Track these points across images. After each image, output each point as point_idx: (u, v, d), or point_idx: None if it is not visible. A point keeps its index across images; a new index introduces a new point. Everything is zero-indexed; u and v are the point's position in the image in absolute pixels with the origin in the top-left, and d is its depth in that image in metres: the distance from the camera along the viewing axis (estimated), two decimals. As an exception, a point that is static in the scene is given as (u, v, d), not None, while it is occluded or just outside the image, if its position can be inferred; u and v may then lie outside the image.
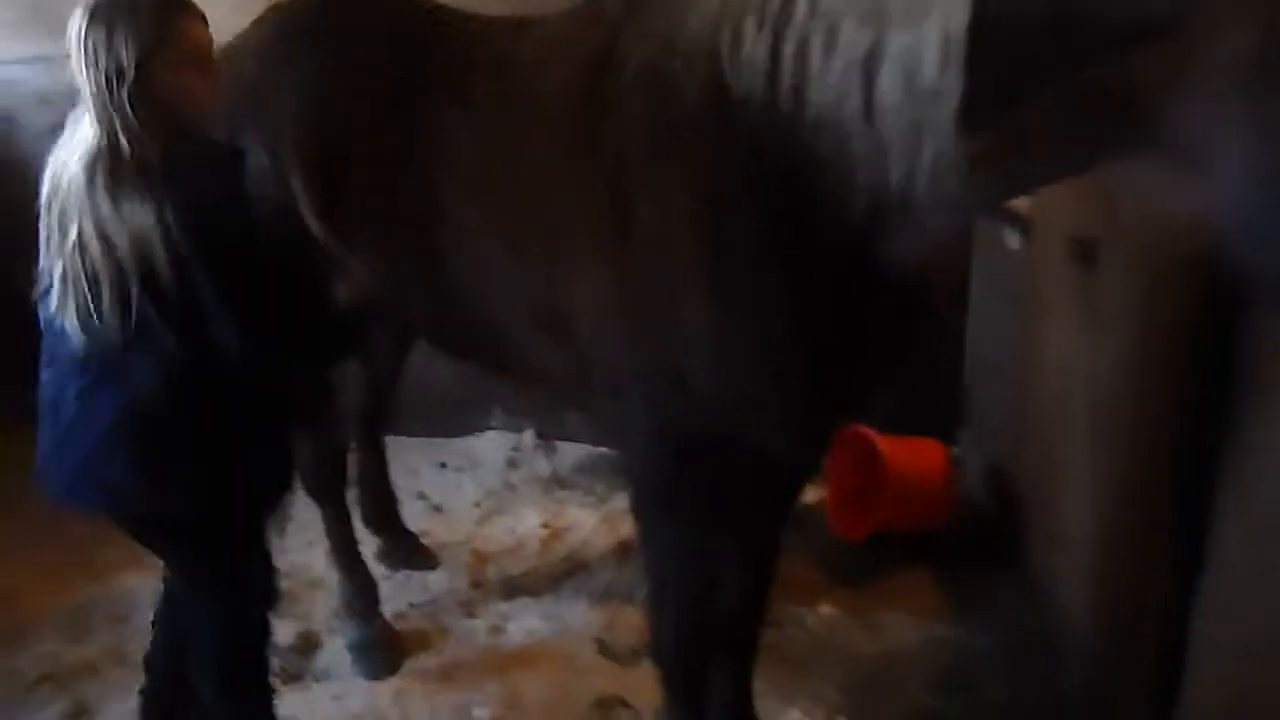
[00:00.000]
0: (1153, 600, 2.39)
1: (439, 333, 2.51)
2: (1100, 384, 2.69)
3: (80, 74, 1.92)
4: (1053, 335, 3.00)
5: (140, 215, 1.90)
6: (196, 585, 2.21)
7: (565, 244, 1.99)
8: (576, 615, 3.18)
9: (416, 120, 2.23)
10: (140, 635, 3.03)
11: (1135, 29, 1.21)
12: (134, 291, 1.92)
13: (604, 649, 3.02)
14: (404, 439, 3.85)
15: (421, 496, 3.89)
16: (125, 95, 1.89)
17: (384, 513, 3.45)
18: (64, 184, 1.97)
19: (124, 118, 1.90)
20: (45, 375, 2.11)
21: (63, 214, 1.97)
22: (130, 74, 1.88)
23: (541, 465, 4.13)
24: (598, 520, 3.71)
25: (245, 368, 1.99)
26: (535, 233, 2.06)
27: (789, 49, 1.55)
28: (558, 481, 4.02)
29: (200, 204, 1.92)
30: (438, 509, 3.84)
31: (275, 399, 2.16)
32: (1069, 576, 2.90)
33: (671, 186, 1.79)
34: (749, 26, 1.61)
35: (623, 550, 3.48)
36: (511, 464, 4.13)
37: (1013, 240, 3.23)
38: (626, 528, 3.59)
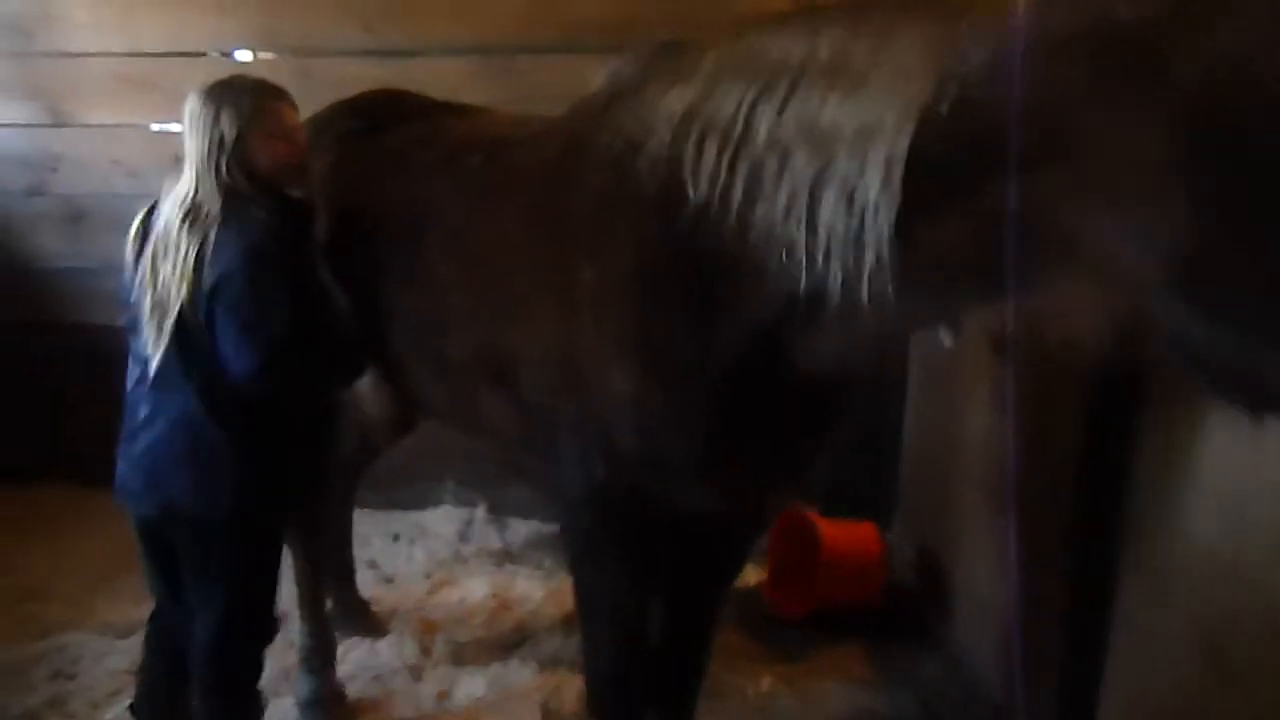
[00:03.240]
0: (1057, 665, 2.56)
1: (410, 379, 2.68)
2: (1012, 464, 2.91)
3: (189, 141, 2.38)
4: (974, 421, 3.23)
5: (208, 257, 2.29)
6: (213, 582, 2.43)
7: (517, 297, 2.21)
8: (522, 681, 3.27)
9: (421, 189, 2.51)
10: (82, 690, 3.16)
11: (1042, 152, 1.36)
12: (191, 323, 2.31)
13: (548, 714, 3.10)
14: (357, 510, 3.94)
15: (373, 566, 3.98)
16: (224, 160, 2.34)
17: (341, 577, 3.53)
18: (161, 230, 2.38)
19: (219, 178, 2.34)
20: (129, 396, 2.48)
21: (155, 255, 2.37)
22: (230, 144, 2.34)
23: (492, 539, 4.24)
24: (546, 593, 3.81)
25: (256, 393, 2.33)
26: (494, 285, 2.28)
27: (744, 169, 1.75)
28: (508, 555, 4.13)
29: (261, 247, 2.30)
30: (389, 579, 3.93)
31: (305, 412, 2.51)
32: (984, 645, 3.07)
33: (615, 255, 1.99)
34: (712, 144, 1.82)
35: (570, 621, 3.57)
36: (463, 537, 4.24)
37: (946, 339, 3.48)
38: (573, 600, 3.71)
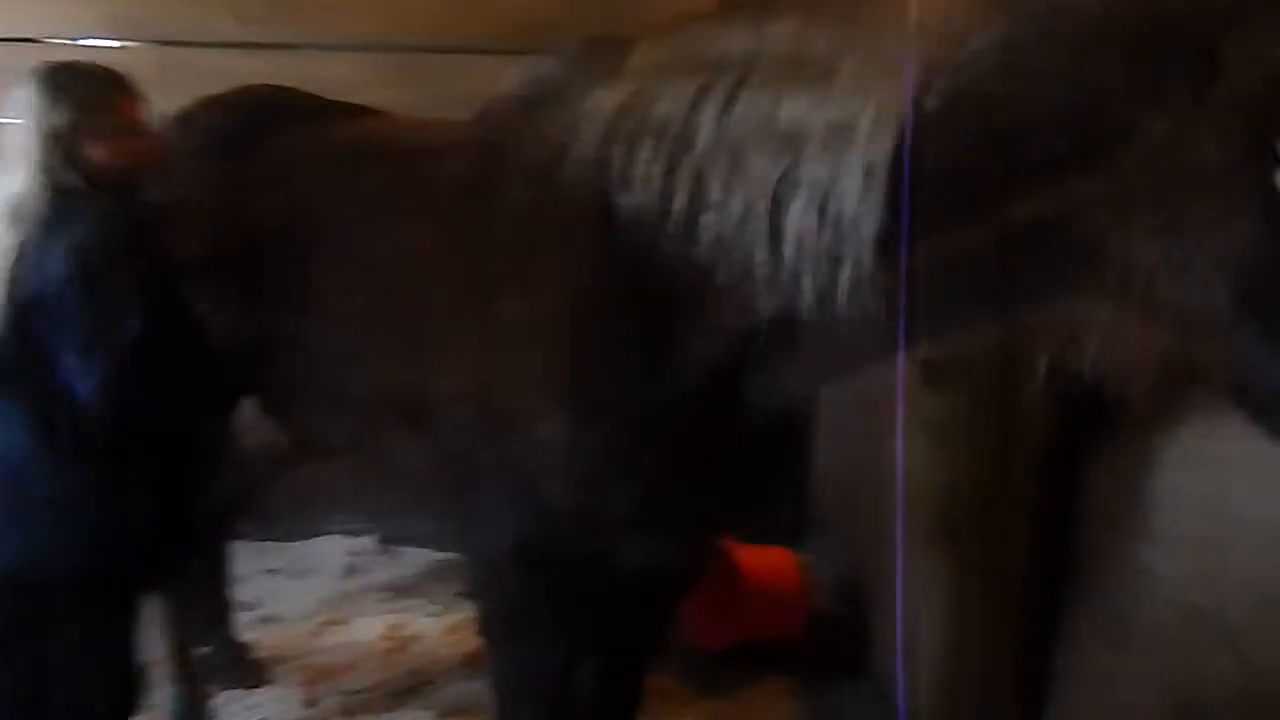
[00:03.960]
0: (1000, 707, 2.45)
1: (301, 413, 2.37)
2: (946, 494, 2.80)
3: (18, 133, 2.08)
4: (902, 446, 3.11)
5: (44, 258, 1.99)
6: (55, 662, 2.06)
7: (430, 329, 1.94)
8: (422, 733, 3.00)
9: (313, 202, 2.21)
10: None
11: (1072, 158, 1.21)
12: (14, 337, 2.00)
13: (450, 771, 2.85)
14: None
15: (251, 606, 3.62)
16: (56, 154, 2.05)
17: (217, 621, 3.18)
18: None
19: (48, 174, 2.04)
20: None
21: None
22: (63, 135, 2.05)
23: (382, 572, 3.94)
24: (444, 630, 3.54)
25: (102, 416, 1.99)
26: (404, 315, 2.01)
27: (686, 174, 1.55)
28: (401, 589, 3.83)
29: (91, 252, 2.00)
30: (270, 620, 3.58)
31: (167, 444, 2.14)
32: (917, 683, 2.95)
33: (542, 281, 1.76)
34: (645, 147, 1.61)
35: (470, 662, 3.32)
36: (350, 571, 3.92)
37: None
38: (473, 636, 3.45)
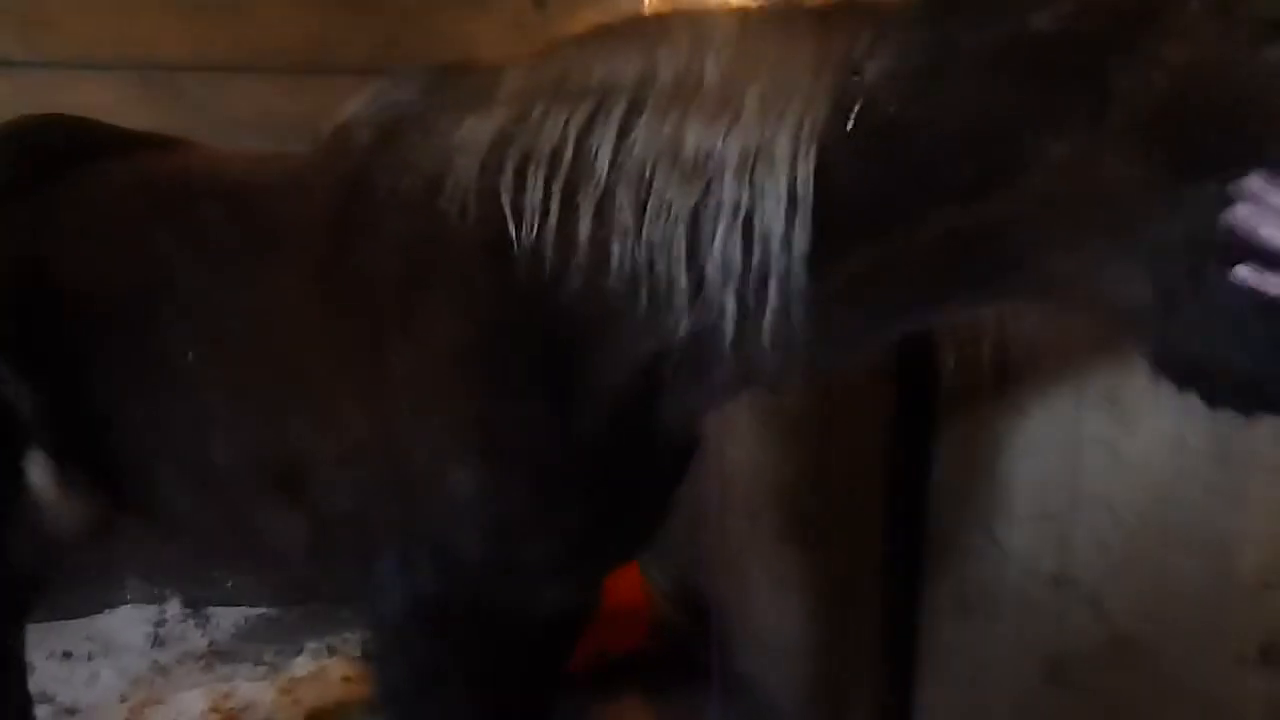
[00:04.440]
0: (866, 698, 2.57)
1: (134, 489, 2.11)
2: (792, 491, 2.90)
3: None
4: (737, 449, 3.19)
5: None
6: None
7: (302, 386, 1.80)
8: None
9: (138, 251, 1.96)
10: None
11: (979, 181, 1.27)
12: None
13: None
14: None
15: (46, 698, 3.21)
16: None
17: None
18: None
19: None
20: None
21: None
22: None
23: (194, 638, 3.61)
24: (276, 692, 3.29)
25: None
26: (267, 373, 1.84)
27: (588, 202, 1.51)
28: (217, 654, 3.53)
29: None
30: (71, 711, 3.19)
31: None
32: (772, 678, 3.04)
33: (432, 324, 1.67)
34: (536, 173, 1.56)
35: (313, 722, 3.11)
36: (157, 642, 3.57)
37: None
38: (311, 694, 3.24)
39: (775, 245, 1.38)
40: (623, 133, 1.50)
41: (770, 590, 3.01)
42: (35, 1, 3.41)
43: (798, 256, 1.37)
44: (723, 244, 1.42)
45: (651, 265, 1.48)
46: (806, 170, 1.35)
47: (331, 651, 3.51)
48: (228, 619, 3.69)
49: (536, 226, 1.55)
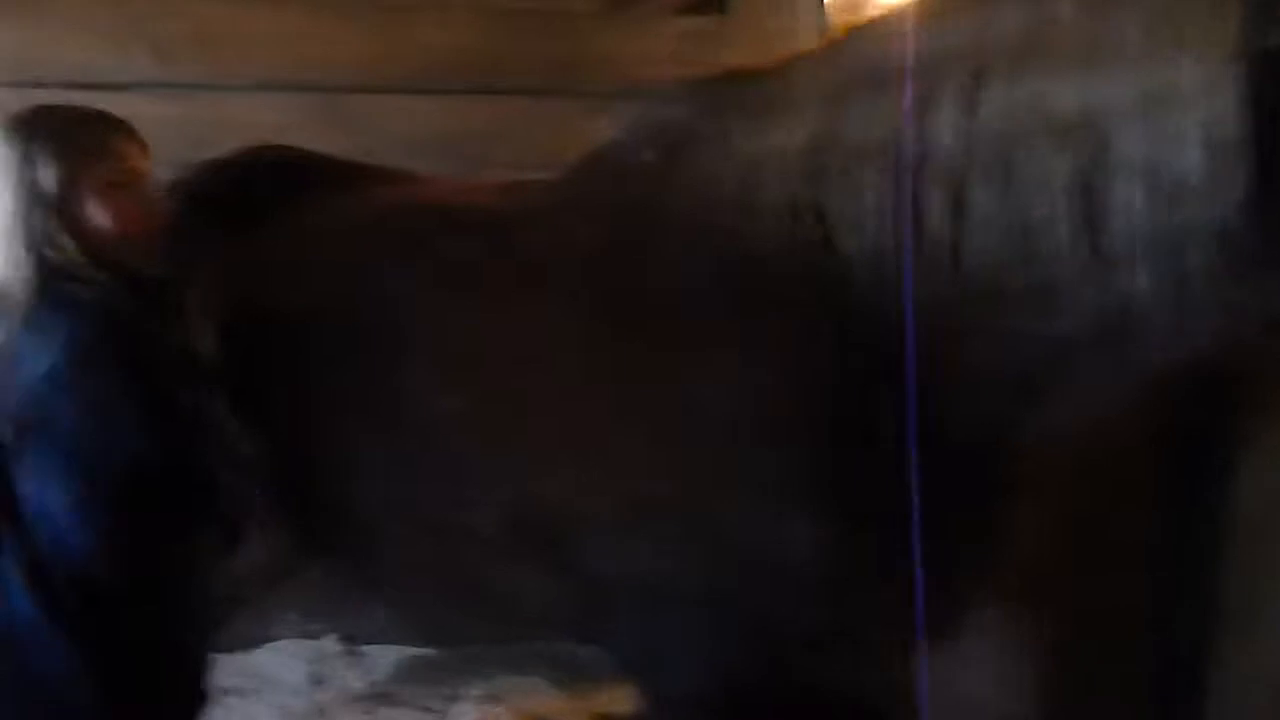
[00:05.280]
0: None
1: (345, 538, 1.96)
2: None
3: None
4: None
5: (27, 363, 1.58)
6: None
7: (575, 435, 1.60)
8: None
9: (365, 288, 1.81)
10: None
11: None
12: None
13: None
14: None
15: (210, 738, 3.10)
16: (42, 222, 1.64)
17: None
18: None
19: (32, 250, 1.64)
20: None
21: None
22: (51, 195, 1.65)
23: (352, 678, 3.46)
24: (446, 741, 3.12)
25: (97, 571, 1.59)
26: (531, 421, 1.65)
27: (934, 195, 1.31)
28: (379, 696, 3.37)
29: (93, 350, 1.61)
30: (236, 755, 3.07)
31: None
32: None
33: (757, 354, 1.45)
34: (863, 177, 1.36)
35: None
36: (315, 680, 3.43)
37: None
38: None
39: (1196, 197, 1.15)
40: (969, 107, 1.30)
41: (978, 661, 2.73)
42: (209, 24, 3.36)
43: (1231, 205, 1.14)
44: (1125, 207, 1.20)
45: (1034, 248, 1.27)
46: (1227, 102, 1.12)
47: (494, 699, 3.33)
48: (385, 658, 3.54)
49: (870, 235, 1.35)
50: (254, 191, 2.09)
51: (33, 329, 1.59)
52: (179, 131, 2.55)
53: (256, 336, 1.89)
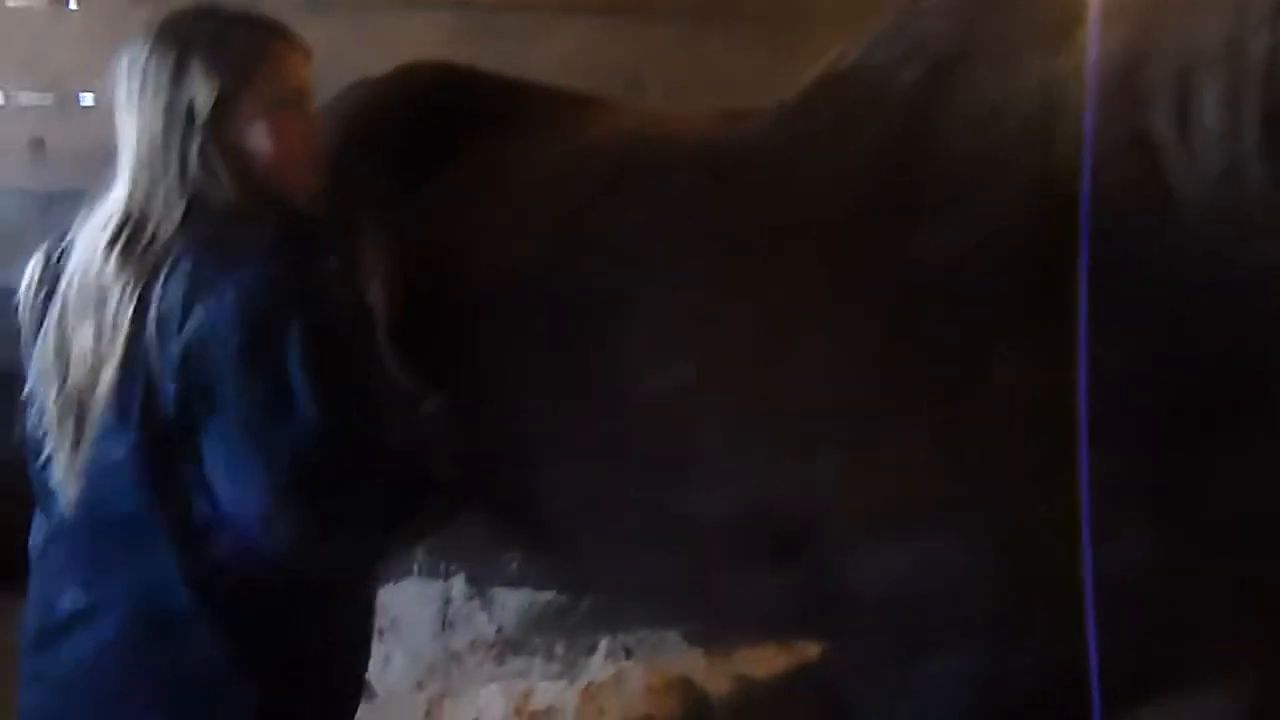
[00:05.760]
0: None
1: (556, 531, 1.79)
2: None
3: (126, 113, 1.45)
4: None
5: (164, 310, 1.38)
6: None
7: (837, 419, 1.38)
8: None
9: (573, 238, 1.60)
10: None
11: None
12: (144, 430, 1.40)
13: None
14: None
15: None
16: (194, 142, 1.42)
17: None
18: (75, 273, 1.46)
19: (183, 172, 1.42)
20: (37, 568, 1.54)
21: (64, 318, 1.46)
22: (205, 114, 1.43)
23: (481, 623, 3.39)
24: (578, 698, 3.03)
25: (291, 554, 1.44)
26: (783, 402, 1.43)
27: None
28: (508, 644, 3.30)
29: (271, 306, 1.39)
30: (370, 697, 3.03)
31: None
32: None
33: (1100, 324, 1.18)
34: (1209, 92, 1.11)
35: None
36: (446, 624, 3.37)
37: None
38: (614, 703, 2.98)
39: None
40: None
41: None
42: (354, -58, 3.17)
43: None
44: None
45: None
46: None
47: (628, 653, 3.23)
48: (512, 601, 3.46)
49: (1223, 166, 1.10)
50: (422, 120, 1.85)
51: (189, 281, 1.38)
52: (323, 52, 2.37)
53: (442, 295, 1.70)
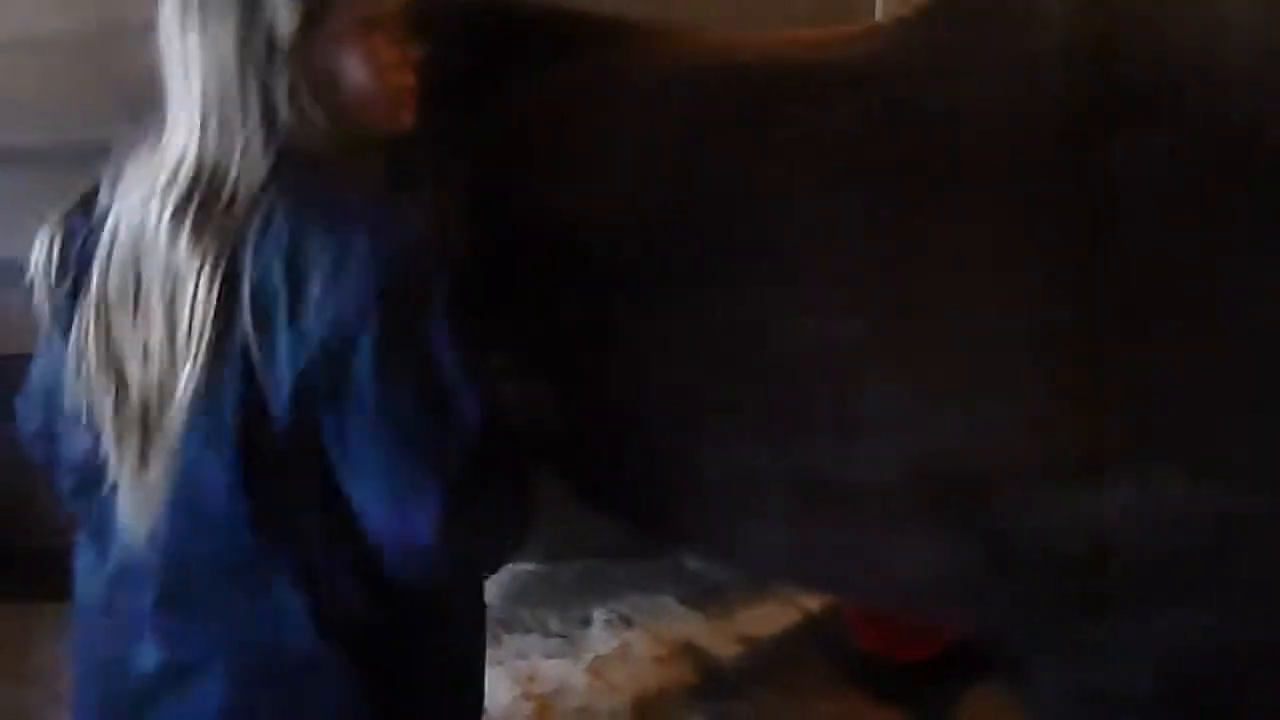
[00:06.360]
0: None
1: (685, 504, 1.59)
2: None
3: (184, 45, 1.16)
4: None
5: (286, 293, 1.13)
6: None
7: (1009, 368, 1.26)
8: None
9: (681, 177, 1.41)
10: None
11: None
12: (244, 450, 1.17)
13: None
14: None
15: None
16: (279, 77, 1.16)
17: None
18: (122, 248, 1.21)
19: (269, 118, 1.16)
20: (89, 623, 1.32)
21: (105, 310, 1.21)
22: (285, 43, 1.16)
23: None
24: (585, 674, 2.88)
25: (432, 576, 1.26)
26: (950, 353, 1.29)
27: None
28: (500, 622, 3.11)
29: (406, 279, 1.16)
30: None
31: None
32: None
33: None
34: None
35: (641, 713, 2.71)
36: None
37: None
38: (623, 677, 2.85)
39: None
40: None
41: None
42: None
43: None
44: None
45: None
46: None
47: (626, 622, 3.10)
48: (496, 576, 3.27)
49: None
50: (493, 47, 1.61)
51: (291, 251, 1.13)
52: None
53: (519, 247, 1.50)
